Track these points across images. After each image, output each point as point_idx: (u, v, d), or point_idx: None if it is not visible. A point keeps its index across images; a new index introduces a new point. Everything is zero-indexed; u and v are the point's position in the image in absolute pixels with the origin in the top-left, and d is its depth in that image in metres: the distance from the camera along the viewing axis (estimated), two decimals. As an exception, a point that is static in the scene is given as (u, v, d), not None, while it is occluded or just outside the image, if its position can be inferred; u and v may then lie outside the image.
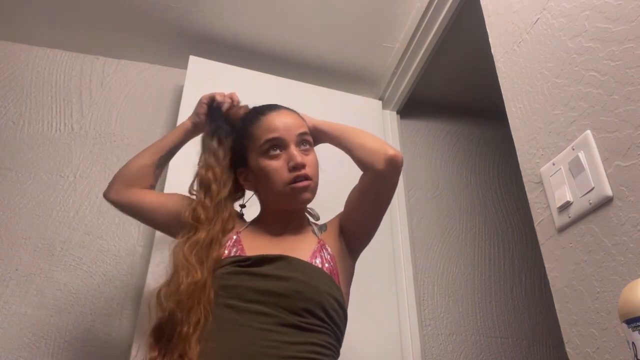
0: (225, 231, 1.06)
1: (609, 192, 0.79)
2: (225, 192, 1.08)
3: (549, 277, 0.92)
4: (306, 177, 1.05)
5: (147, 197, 1.15)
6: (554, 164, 0.92)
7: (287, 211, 1.10)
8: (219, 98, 1.17)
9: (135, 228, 1.64)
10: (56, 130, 1.77)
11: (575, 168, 0.86)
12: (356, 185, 1.09)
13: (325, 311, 0.96)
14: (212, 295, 0.94)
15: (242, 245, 1.05)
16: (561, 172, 0.89)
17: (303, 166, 1.05)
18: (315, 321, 0.95)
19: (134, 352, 1.31)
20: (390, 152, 1.02)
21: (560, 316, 0.89)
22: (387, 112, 2.07)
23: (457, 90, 2.18)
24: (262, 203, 1.15)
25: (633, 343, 0.54)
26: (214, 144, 1.14)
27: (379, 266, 1.65)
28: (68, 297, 1.52)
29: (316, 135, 1.14)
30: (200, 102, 1.19)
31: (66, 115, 1.80)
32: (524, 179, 1.01)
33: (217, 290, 0.96)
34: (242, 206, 1.17)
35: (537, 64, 1.00)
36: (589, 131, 0.84)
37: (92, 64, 1.91)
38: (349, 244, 1.10)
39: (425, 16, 1.70)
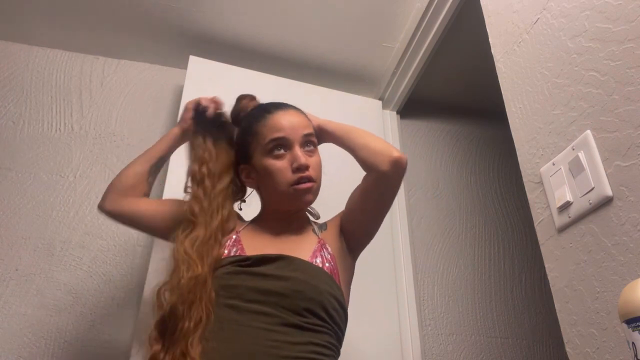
0: (225, 231, 1.06)
1: (609, 192, 0.79)
2: (220, 186, 1.08)
3: (549, 277, 0.92)
4: (309, 179, 1.05)
5: (142, 205, 1.15)
6: (554, 164, 0.92)
7: (289, 211, 1.10)
8: (204, 102, 1.18)
9: (135, 228, 1.64)
10: (56, 130, 1.77)
11: (575, 168, 0.86)
12: (359, 185, 1.08)
13: (326, 311, 0.96)
14: (213, 295, 0.94)
15: (241, 244, 1.05)
16: (561, 172, 0.89)
17: (307, 168, 1.05)
18: (316, 321, 0.95)
19: (134, 352, 1.31)
20: (395, 154, 1.02)
21: (560, 316, 0.89)
22: (387, 112, 2.07)
23: (457, 90, 2.18)
24: (264, 202, 1.15)
25: (633, 343, 0.54)
26: (204, 141, 1.13)
27: (379, 266, 1.65)
28: (68, 297, 1.52)
29: (320, 135, 1.14)
30: (186, 108, 1.19)
31: (66, 115, 1.80)
32: (524, 179, 1.01)
33: (217, 290, 0.95)
34: (242, 201, 1.17)
35: (537, 64, 1.00)
36: (589, 131, 0.84)
37: (92, 64, 1.91)
38: (349, 244, 1.10)
39: (425, 16, 1.70)
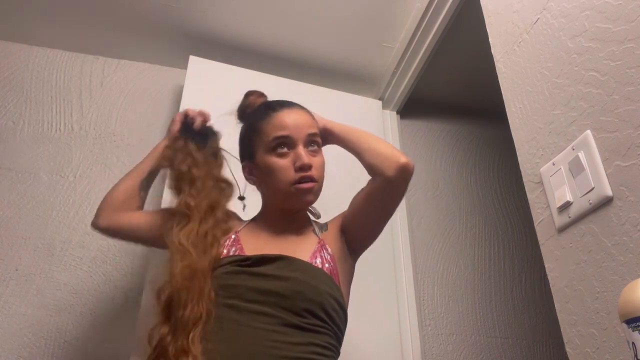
0: (222, 231, 1.06)
1: (609, 192, 0.79)
2: (210, 184, 1.08)
3: (549, 277, 0.92)
4: (311, 179, 1.04)
5: (135, 218, 1.15)
6: (554, 164, 0.92)
7: (289, 211, 1.10)
8: (191, 113, 1.18)
9: (135, 228, 1.64)
10: (56, 130, 1.77)
11: (575, 168, 0.86)
12: (363, 188, 1.08)
13: (326, 311, 0.96)
14: (213, 294, 0.94)
15: (240, 244, 1.05)
16: (561, 172, 0.89)
17: (309, 167, 1.04)
18: (316, 321, 0.95)
19: (134, 352, 1.31)
20: (402, 160, 1.01)
21: (560, 316, 0.89)
22: (387, 112, 2.07)
23: (457, 90, 2.18)
24: (265, 200, 1.15)
25: (633, 343, 0.54)
26: (191, 147, 1.14)
27: (379, 266, 1.65)
28: (68, 297, 1.52)
29: (325, 136, 1.13)
30: (173, 121, 1.20)
31: (66, 115, 1.80)
32: (524, 179, 1.01)
33: (216, 289, 0.95)
34: (242, 198, 1.17)
35: (537, 64, 1.00)
36: (589, 131, 0.84)
37: (92, 64, 1.91)
38: (350, 245, 1.10)
39: (425, 16, 1.70)
